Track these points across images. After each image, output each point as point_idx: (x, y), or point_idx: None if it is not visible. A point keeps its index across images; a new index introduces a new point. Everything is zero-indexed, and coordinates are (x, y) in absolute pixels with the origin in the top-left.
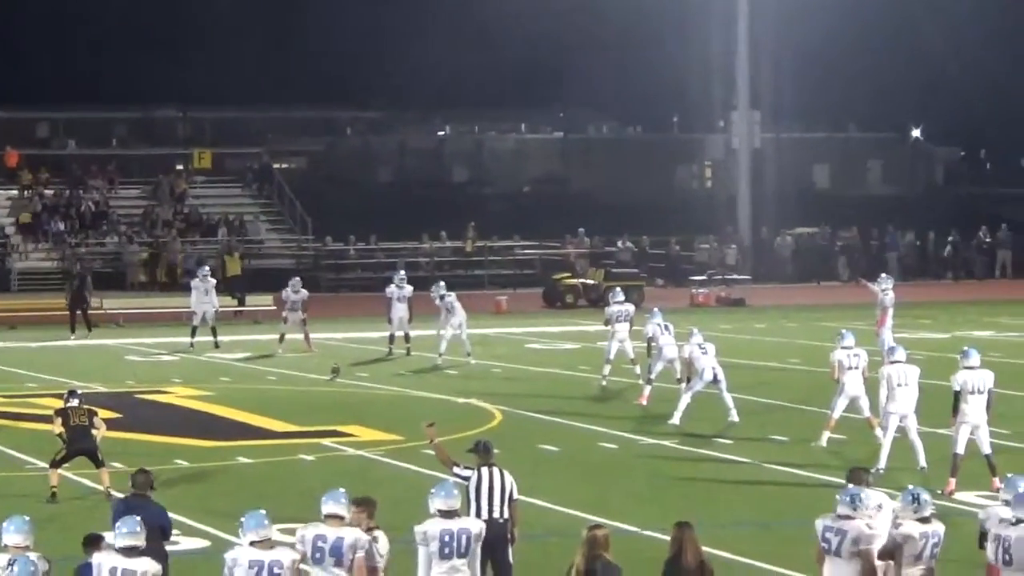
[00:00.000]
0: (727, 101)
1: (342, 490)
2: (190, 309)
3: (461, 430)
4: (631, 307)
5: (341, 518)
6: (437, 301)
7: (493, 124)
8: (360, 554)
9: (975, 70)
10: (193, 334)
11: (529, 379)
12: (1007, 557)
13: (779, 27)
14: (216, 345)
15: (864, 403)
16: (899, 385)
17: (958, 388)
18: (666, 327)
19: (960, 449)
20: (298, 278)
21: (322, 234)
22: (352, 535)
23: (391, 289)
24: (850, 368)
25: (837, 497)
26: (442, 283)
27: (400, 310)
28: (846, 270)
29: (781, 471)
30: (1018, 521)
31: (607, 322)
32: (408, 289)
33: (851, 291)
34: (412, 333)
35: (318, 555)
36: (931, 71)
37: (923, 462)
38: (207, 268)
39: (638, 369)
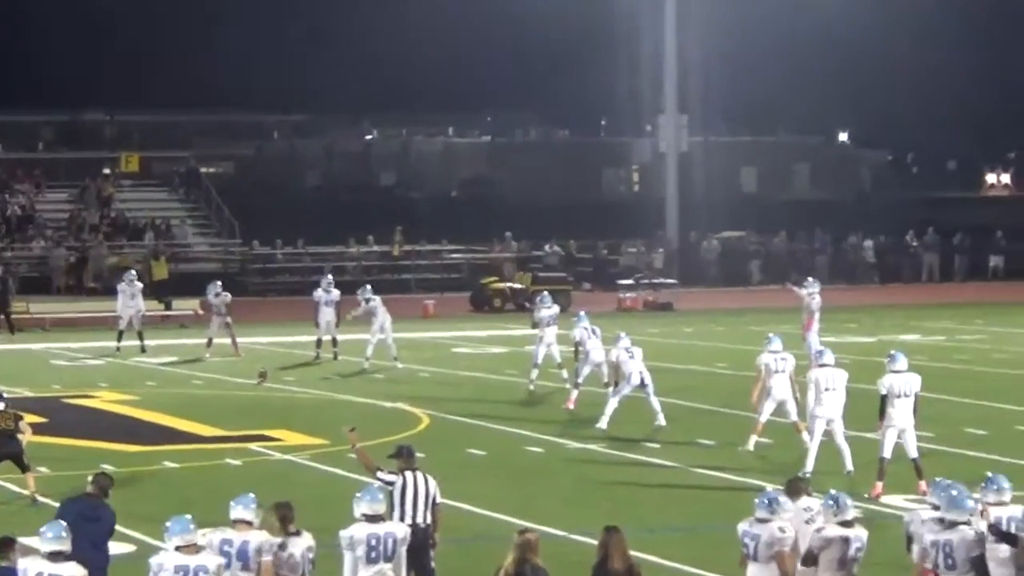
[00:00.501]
0: (655, 105)
1: (251, 495)
2: (116, 313)
3: (388, 434)
4: (556, 309)
5: (249, 523)
6: (362, 304)
7: (420, 127)
8: (267, 558)
9: (902, 74)
10: (119, 338)
11: (456, 383)
12: (949, 561)
13: (707, 31)
14: (143, 349)
15: (791, 407)
16: (827, 389)
17: (885, 392)
18: (593, 331)
19: (887, 453)
20: (219, 281)
21: (249, 238)
22: (258, 539)
23: (318, 293)
24: (777, 372)
25: (755, 501)
26: (368, 286)
27: (327, 314)
28: (761, 274)
29: (708, 475)
30: (952, 524)
31: (535, 326)
32: (335, 293)
33: (777, 295)
34: (339, 337)
35: (225, 560)
36: (859, 75)
37: (850, 466)
38: (133, 272)
39: (565, 373)
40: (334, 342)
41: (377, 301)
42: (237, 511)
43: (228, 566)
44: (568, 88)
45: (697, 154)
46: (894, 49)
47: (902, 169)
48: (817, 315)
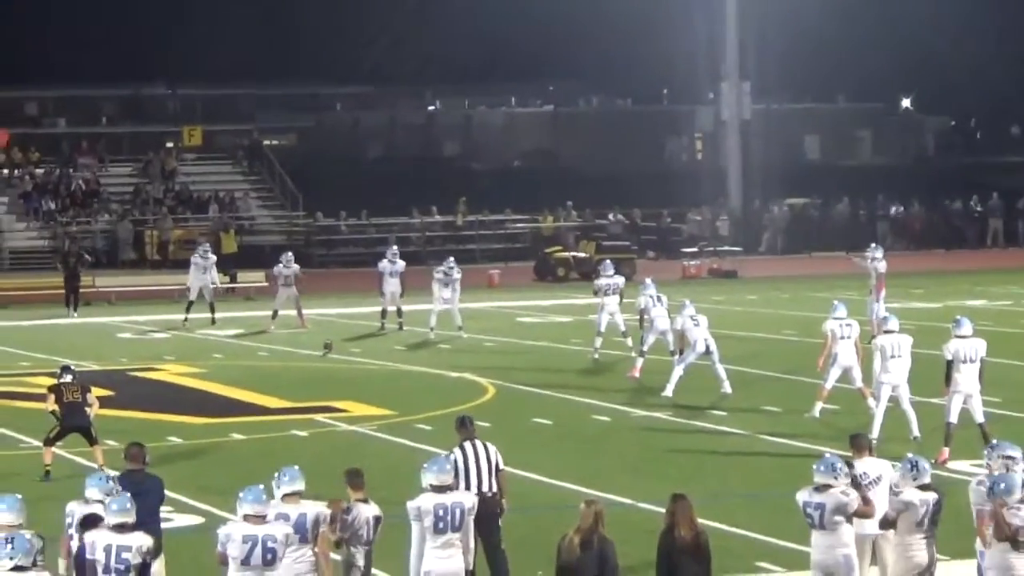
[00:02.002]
0: (716, 72)
1: (296, 467)
2: (185, 285)
3: (454, 404)
4: (620, 279)
5: (299, 495)
6: (441, 275)
7: (483, 98)
8: (323, 528)
9: (964, 39)
10: (188, 310)
11: (521, 352)
12: None
13: None
14: (213, 321)
15: (856, 373)
16: (893, 356)
17: (950, 357)
18: (659, 299)
19: (953, 418)
20: (290, 253)
21: (313, 210)
22: (314, 511)
23: (384, 264)
24: (842, 338)
25: (814, 467)
26: (451, 258)
27: (392, 285)
28: (774, 241)
29: (774, 442)
30: None
31: (596, 293)
32: (400, 264)
33: (843, 263)
34: (404, 308)
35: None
36: (920, 40)
37: (916, 432)
38: (207, 245)
39: (630, 341)
40: (399, 312)
41: (459, 274)
42: (287, 485)
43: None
44: (629, 57)
45: (759, 121)
46: (956, 13)
47: (965, 134)
48: (884, 280)
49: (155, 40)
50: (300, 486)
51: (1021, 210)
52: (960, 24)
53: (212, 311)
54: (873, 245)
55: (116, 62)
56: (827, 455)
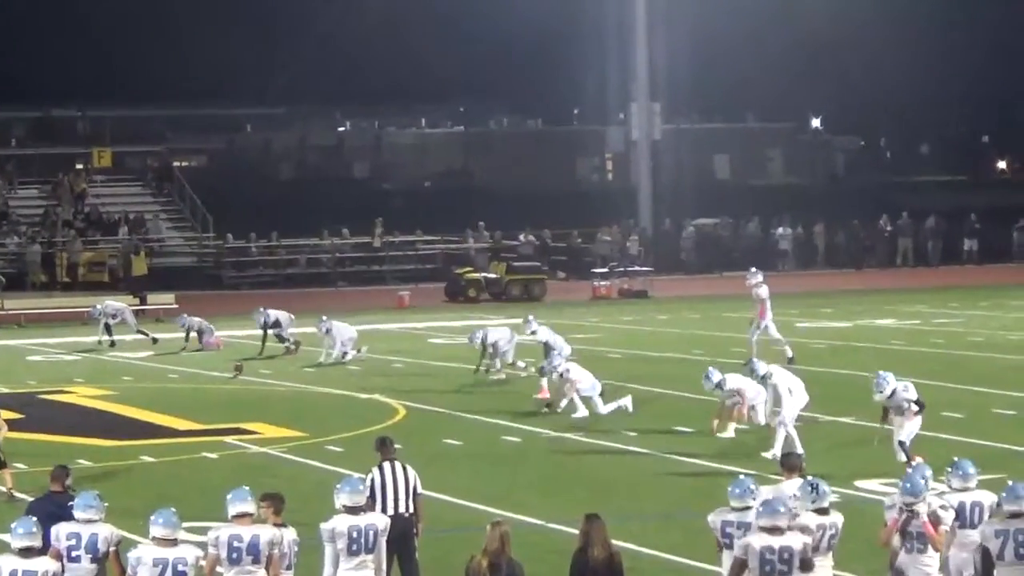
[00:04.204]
0: (626, 93)
1: (246, 487)
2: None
3: (365, 425)
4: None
5: (251, 515)
6: (322, 332)
7: (393, 119)
8: (276, 551)
9: (874, 60)
10: (108, 332)
11: (432, 374)
12: (1021, 551)
13: (677, 17)
14: (154, 341)
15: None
16: (790, 391)
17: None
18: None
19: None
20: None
21: (223, 231)
22: (268, 532)
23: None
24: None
25: (730, 489)
26: (324, 316)
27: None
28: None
29: (685, 462)
30: (1019, 515)
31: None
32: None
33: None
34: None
35: (235, 555)
36: (830, 61)
37: (777, 451)
38: (97, 307)
39: (521, 363)
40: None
41: (332, 325)
42: (238, 506)
43: (238, 561)
44: (540, 77)
45: (669, 141)
46: (864, 34)
47: (875, 154)
48: (768, 303)
49: (65, 62)
50: (249, 507)
51: (930, 229)
52: (870, 44)
53: (146, 334)
54: (753, 269)
55: (26, 84)
56: (742, 477)
